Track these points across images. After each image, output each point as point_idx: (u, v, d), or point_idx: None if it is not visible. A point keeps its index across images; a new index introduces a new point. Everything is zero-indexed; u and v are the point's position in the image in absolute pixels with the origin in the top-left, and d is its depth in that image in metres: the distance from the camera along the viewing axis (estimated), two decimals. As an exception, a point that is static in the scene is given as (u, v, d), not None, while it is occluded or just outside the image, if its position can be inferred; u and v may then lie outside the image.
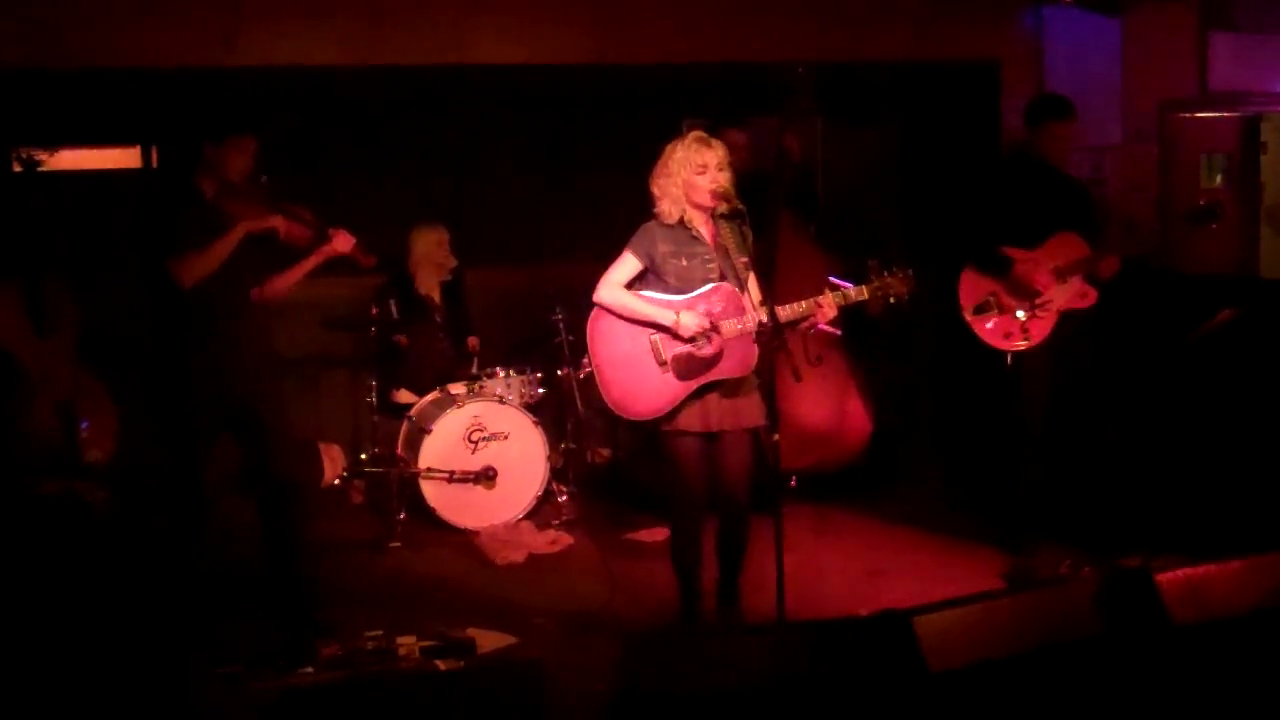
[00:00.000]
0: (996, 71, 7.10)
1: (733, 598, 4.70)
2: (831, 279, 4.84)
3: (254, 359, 4.84)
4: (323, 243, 4.97)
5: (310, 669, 4.30)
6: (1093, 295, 5.41)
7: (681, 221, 4.49)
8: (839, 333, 6.46)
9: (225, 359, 4.72)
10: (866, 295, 4.43)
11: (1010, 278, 5.36)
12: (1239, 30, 6.96)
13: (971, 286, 5.45)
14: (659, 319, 4.44)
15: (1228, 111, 7.02)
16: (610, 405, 4.54)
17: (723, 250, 4.47)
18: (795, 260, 6.14)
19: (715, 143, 4.47)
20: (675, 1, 6.58)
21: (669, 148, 4.51)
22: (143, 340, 4.84)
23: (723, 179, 4.41)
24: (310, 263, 4.99)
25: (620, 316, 4.52)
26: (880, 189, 7.91)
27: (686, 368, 4.44)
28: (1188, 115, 7.02)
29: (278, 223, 4.78)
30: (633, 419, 4.55)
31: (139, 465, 6.16)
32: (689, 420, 4.46)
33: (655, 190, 4.51)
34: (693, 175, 4.42)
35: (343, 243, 4.97)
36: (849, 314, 5.32)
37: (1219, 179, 7.10)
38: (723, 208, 4.45)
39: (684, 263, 4.47)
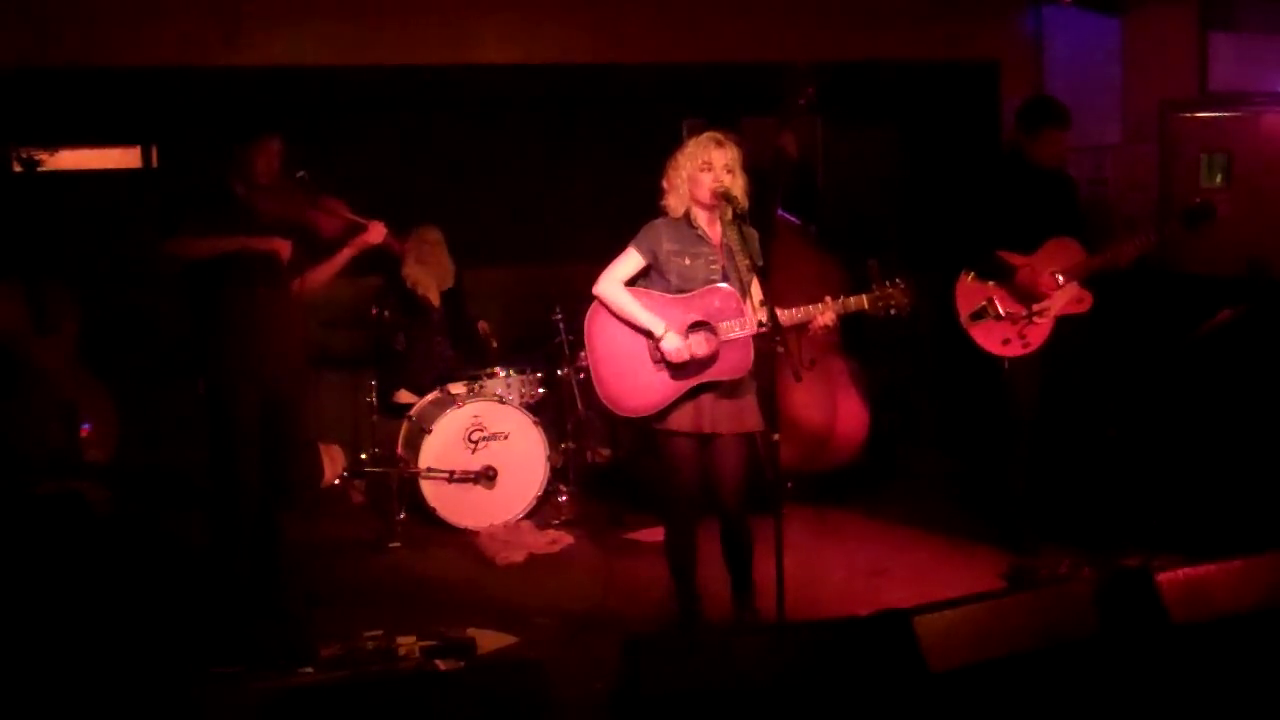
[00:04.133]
0: (996, 72, 7.10)
1: (748, 599, 4.66)
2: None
3: (287, 358, 4.89)
4: (357, 234, 5.03)
5: (310, 669, 4.30)
6: (1088, 300, 5.40)
7: (687, 219, 4.46)
8: (835, 337, 6.44)
9: (260, 355, 4.77)
10: (866, 305, 4.37)
11: (1012, 284, 5.35)
12: (1239, 30, 6.94)
13: (967, 293, 5.44)
14: (648, 328, 4.41)
15: (1228, 111, 7.01)
16: (603, 400, 4.52)
17: (728, 251, 4.44)
18: (794, 261, 6.13)
19: (729, 144, 4.42)
20: (675, 1, 6.58)
21: (685, 141, 4.50)
22: (154, 339, 4.84)
23: (726, 180, 4.37)
24: (345, 254, 5.10)
25: (614, 315, 4.50)
26: (880, 189, 7.91)
27: (680, 367, 4.40)
28: (1188, 115, 7.01)
29: (280, 246, 4.79)
30: (624, 415, 4.53)
31: (140, 465, 6.17)
32: (680, 420, 4.43)
33: (665, 183, 4.50)
34: (697, 171, 4.40)
35: (375, 234, 5.08)
36: (848, 314, 5.31)
37: (1219, 179, 7.08)
38: (727, 213, 4.41)
39: (687, 261, 4.44)
